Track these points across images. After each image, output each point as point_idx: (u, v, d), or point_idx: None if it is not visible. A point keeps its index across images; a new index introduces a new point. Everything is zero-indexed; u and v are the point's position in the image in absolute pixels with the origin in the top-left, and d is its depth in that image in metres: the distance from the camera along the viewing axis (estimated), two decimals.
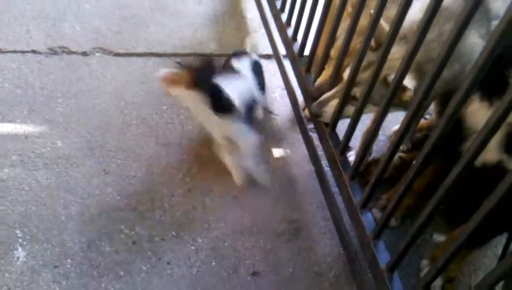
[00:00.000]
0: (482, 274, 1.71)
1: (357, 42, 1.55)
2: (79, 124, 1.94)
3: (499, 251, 1.73)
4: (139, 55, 2.32)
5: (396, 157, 1.87)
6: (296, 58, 2.07)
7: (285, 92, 2.21)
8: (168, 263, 1.55)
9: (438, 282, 1.63)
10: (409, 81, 1.38)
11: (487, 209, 1.01)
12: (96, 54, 2.29)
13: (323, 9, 1.84)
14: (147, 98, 2.11)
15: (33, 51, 2.23)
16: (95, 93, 2.09)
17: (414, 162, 1.28)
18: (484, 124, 1.00)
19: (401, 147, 1.85)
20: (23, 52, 2.22)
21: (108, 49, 2.32)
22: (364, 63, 1.51)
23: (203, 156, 1.92)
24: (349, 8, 1.64)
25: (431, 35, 1.31)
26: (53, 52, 2.25)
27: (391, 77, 1.36)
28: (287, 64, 2.20)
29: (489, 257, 1.76)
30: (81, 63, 2.23)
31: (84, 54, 2.28)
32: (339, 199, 1.73)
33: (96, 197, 1.70)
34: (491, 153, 1.34)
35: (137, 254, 1.56)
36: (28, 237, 1.55)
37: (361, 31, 1.50)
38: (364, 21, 1.50)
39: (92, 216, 1.64)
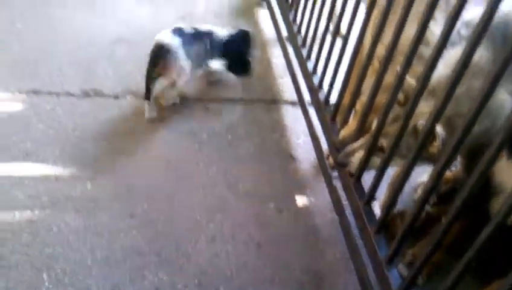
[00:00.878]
0: None
1: (382, 98, 1.56)
2: (108, 166, 2.00)
3: None
4: None
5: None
6: (321, 106, 2.10)
7: (309, 138, 2.23)
8: None
9: None
10: (439, 129, 1.38)
11: None
12: (127, 98, 2.37)
13: (350, 59, 1.87)
14: (173, 141, 2.18)
15: (67, 93, 2.33)
16: (124, 136, 2.15)
17: (442, 220, 1.27)
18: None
19: None
20: (57, 94, 2.31)
21: (138, 93, 2.39)
22: (391, 116, 1.53)
23: (227, 200, 1.93)
24: (375, 64, 1.67)
25: (460, 90, 1.32)
26: (86, 94, 2.34)
27: (420, 123, 1.37)
28: (311, 111, 2.23)
29: None
30: (112, 106, 2.31)
31: (116, 97, 2.36)
32: (363, 250, 1.71)
33: (122, 241, 1.72)
34: None
35: None
36: (54, 281, 1.57)
37: (387, 87, 1.52)
38: (390, 77, 1.52)
39: (116, 260, 1.65)
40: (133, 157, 2.05)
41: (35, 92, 2.29)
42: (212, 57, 2.37)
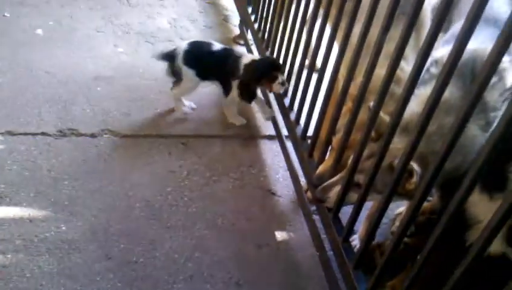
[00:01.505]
0: None
1: (357, 135, 1.59)
2: (84, 206, 1.96)
3: None
4: (145, 136, 2.39)
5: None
6: (298, 141, 2.12)
7: (287, 173, 2.25)
8: None
9: None
10: (415, 166, 1.40)
11: None
12: (105, 136, 2.36)
13: (325, 95, 1.91)
14: (152, 180, 2.15)
15: (43, 133, 2.30)
16: (101, 175, 2.13)
17: (418, 257, 1.28)
18: (488, 223, 1.01)
19: None
20: (33, 134, 2.29)
21: (116, 131, 2.39)
22: (366, 153, 1.55)
23: (206, 239, 1.91)
24: (349, 103, 1.71)
25: (432, 128, 1.35)
26: (62, 134, 2.32)
27: (396, 162, 1.39)
28: (289, 145, 2.26)
29: None
30: (89, 145, 2.29)
31: (93, 135, 2.35)
32: (343, 285, 1.70)
33: (97, 284, 1.67)
34: (495, 246, 1.33)
35: None
36: None
37: (361, 125, 1.55)
38: (364, 115, 1.56)
39: None
40: (110, 198, 2.02)
41: (10, 133, 2.26)
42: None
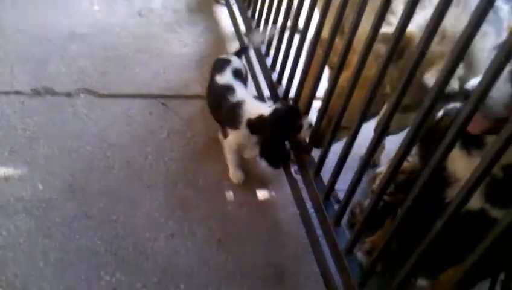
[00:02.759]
0: None
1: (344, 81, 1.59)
2: (61, 166, 1.91)
3: None
4: (124, 96, 2.33)
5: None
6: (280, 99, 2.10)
7: None
8: None
9: None
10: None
11: (475, 259, 1.02)
12: (81, 95, 2.29)
13: (307, 54, 1.89)
14: (131, 140, 2.10)
15: (16, 92, 2.22)
16: (78, 135, 2.07)
17: (399, 210, 1.29)
18: (467, 179, 1.02)
19: None
20: (6, 93, 2.20)
21: (93, 90, 2.32)
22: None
23: (187, 198, 1.90)
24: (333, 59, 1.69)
25: None
26: (37, 93, 2.24)
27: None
28: None
29: None
30: (65, 104, 2.22)
31: (69, 95, 2.28)
32: (324, 242, 1.72)
33: (76, 242, 1.65)
34: (474, 201, 1.36)
35: None
36: (4, 285, 1.49)
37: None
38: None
39: (71, 262, 1.59)
40: (88, 158, 1.98)
41: None
42: None
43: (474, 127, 1.18)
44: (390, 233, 1.33)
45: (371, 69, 1.45)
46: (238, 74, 2.08)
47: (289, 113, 1.84)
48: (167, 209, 1.84)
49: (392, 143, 1.95)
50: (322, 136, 1.76)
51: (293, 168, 2.05)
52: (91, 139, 2.06)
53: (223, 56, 2.21)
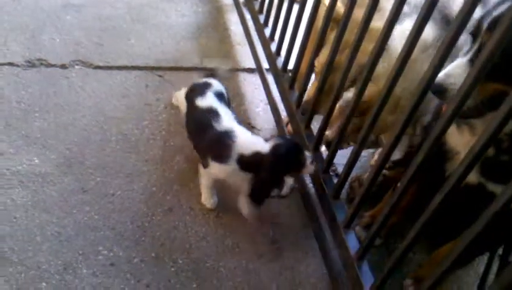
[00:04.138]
0: None
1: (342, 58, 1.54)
2: (57, 139, 1.89)
3: (481, 269, 1.73)
4: (120, 68, 2.28)
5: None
6: (279, 73, 2.06)
7: (268, 106, 2.20)
8: (148, 286, 1.50)
9: None
10: None
11: (475, 233, 1.00)
12: (76, 67, 2.24)
13: (307, 24, 1.83)
14: (127, 113, 2.07)
15: (10, 64, 2.17)
16: (74, 107, 2.04)
17: (399, 184, 1.27)
18: (467, 153, 1.00)
19: None
20: None
21: (88, 62, 2.27)
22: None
23: (185, 173, 1.88)
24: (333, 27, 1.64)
25: None
26: (31, 64, 2.19)
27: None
28: (270, 78, 2.20)
29: (472, 276, 1.76)
30: (60, 76, 2.18)
31: (64, 66, 2.23)
32: (322, 217, 1.71)
33: (73, 217, 1.64)
34: (471, 176, 1.34)
35: (116, 277, 1.51)
36: (1, 260, 1.49)
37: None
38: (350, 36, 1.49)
39: (68, 237, 1.58)
40: (84, 131, 1.95)
41: None
42: None
43: None
44: (389, 207, 1.31)
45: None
46: (221, 98, 1.78)
47: (291, 151, 1.58)
48: (165, 183, 1.82)
49: None
50: (316, 108, 1.74)
51: None
52: (87, 112, 2.03)
53: (200, 80, 1.87)
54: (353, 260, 1.45)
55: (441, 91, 1.14)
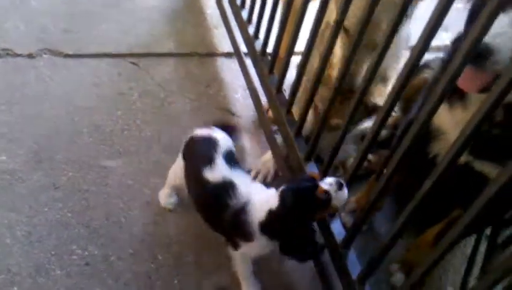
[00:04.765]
0: (452, 275, 1.69)
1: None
2: (25, 133, 1.78)
3: (468, 250, 1.70)
4: (90, 56, 2.17)
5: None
6: (257, 57, 1.97)
7: (247, 92, 2.12)
8: (126, 284, 1.43)
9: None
10: None
11: (467, 221, 0.96)
12: (44, 56, 2.12)
13: (284, 5, 1.75)
14: (100, 103, 1.97)
15: None
16: (42, 98, 1.93)
17: (385, 170, 1.22)
18: (459, 135, 0.94)
19: None
20: None
21: (56, 50, 2.15)
22: None
23: (162, 164, 1.79)
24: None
25: None
26: None
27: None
28: (249, 63, 2.11)
29: (458, 257, 1.74)
30: (27, 66, 2.06)
31: (31, 56, 2.11)
32: None
33: (45, 215, 1.55)
34: None
35: (91, 277, 1.43)
36: None
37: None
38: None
39: (40, 237, 1.50)
40: (53, 123, 1.85)
41: None
42: None
43: (470, 85, 1.07)
44: (376, 191, 1.26)
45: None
46: (231, 157, 1.42)
47: (301, 194, 1.24)
48: (141, 176, 1.74)
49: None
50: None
51: (273, 128, 1.95)
52: (56, 103, 1.93)
53: (201, 133, 1.46)
54: (339, 248, 1.40)
55: (484, 54, 0.95)
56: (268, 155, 1.85)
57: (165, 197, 1.63)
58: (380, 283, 1.61)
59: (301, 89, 1.68)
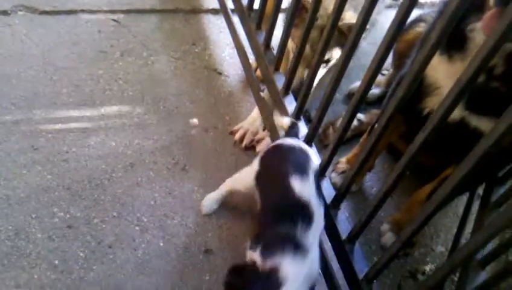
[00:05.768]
0: (444, 235, 1.67)
1: None
2: (1, 94, 1.69)
3: (460, 210, 1.68)
4: (69, 12, 2.06)
5: (354, 120, 1.77)
6: (245, 12, 1.88)
7: (234, 51, 2.04)
8: (110, 247, 1.39)
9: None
10: None
11: (459, 178, 0.91)
12: (19, 13, 2.01)
13: None
14: (79, 62, 1.88)
15: None
16: (18, 58, 1.83)
17: (376, 125, 1.16)
18: (452, 87, 0.89)
19: None
20: None
21: (32, 7, 2.03)
22: None
23: (146, 125, 1.73)
24: None
25: None
26: None
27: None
28: (236, 20, 2.02)
29: (450, 217, 1.72)
30: (1, 24, 1.94)
31: (5, 13, 1.99)
32: None
33: (24, 178, 1.49)
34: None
35: (74, 240, 1.38)
36: None
37: None
38: None
39: (19, 199, 1.44)
40: (31, 84, 1.76)
41: None
42: None
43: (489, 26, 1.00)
44: (367, 148, 1.21)
45: None
46: (316, 178, 1.26)
47: None
48: (124, 137, 1.68)
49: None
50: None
51: (261, 87, 1.88)
52: (33, 63, 1.83)
53: (291, 142, 1.32)
54: (329, 208, 1.37)
55: None
56: (255, 114, 1.79)
57: (212, 202, 1.52)
58: (371, 243, 1.59)
59: (289, 45, 1.61)
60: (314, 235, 1.12)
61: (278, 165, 1.23)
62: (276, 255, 1.02)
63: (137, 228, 1.45)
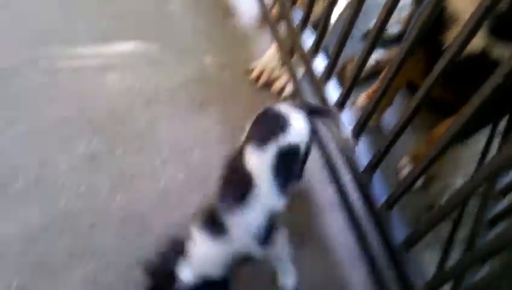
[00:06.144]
0: (463, 170, 1.66)
1: None
2: (17, 31, 1.70)
3: (480, 146, 1.66)
4: None
5: (372, 59, 1.76)
6: None
7: None
8: (133, 177, 1.42)
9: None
10: None
11: (477, 105, 0.91)
12: None
13: None
14: None
15: None
16: None
17: (396, 57, 1.15)
18: (472, 12, 0.87)
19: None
20: None
21: None
22: None
23: (162, 63, 1.73)
24: None
25: None
26: None
27: None
28: None
29: (471, 152, 1.71)
30: None
31: None
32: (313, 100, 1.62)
33: (45, 112, 1.51)
34: (476, 39, 1.23)
35: (97, 170, 1.42)
36: None
37: None
38: None
39: (41, 131, 1.46)
40: (48, 21, 1.75)
41: None
42: None
43: None
44: (386, 79, 1.21)
45: None
46: None
47: None
48: (141, 74, 1.68)
49: None
50: None
51: (278, 27, 1.86)
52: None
53: (279, 112, 1.17)
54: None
55: None
56: (272, 52, 1.77)
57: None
58: (389, 178, 1.60)
59: None
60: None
61: (250, 131, 1.17)
62: None
63: (158, 160, 1.48)
